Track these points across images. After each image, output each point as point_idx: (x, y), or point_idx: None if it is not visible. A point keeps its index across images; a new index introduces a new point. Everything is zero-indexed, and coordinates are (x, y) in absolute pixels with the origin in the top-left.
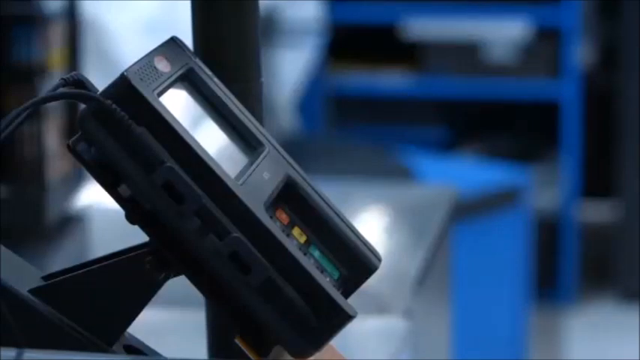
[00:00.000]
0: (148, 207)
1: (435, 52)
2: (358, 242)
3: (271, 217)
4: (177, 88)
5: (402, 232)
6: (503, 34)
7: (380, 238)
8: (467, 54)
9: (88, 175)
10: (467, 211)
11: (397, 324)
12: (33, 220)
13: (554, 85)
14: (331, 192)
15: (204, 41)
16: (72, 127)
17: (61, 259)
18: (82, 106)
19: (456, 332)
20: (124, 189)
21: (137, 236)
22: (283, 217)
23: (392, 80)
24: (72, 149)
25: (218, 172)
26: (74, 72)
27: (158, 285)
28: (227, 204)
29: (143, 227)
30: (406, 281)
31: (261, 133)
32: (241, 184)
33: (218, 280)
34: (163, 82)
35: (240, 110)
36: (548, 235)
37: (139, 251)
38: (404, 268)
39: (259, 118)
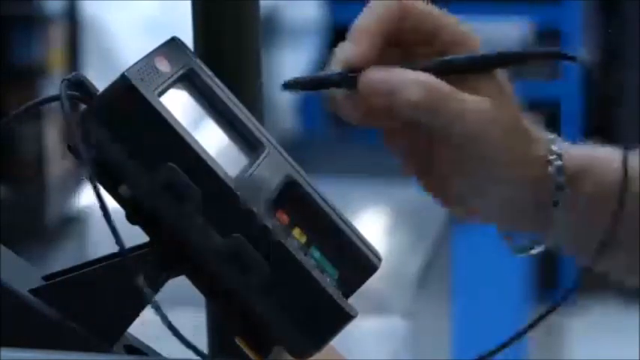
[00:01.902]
0: (149, 207)
1: None
2: (358, 242)
3: (271, 217)
4: (178, 88)
5: (402, 232)
6: (503, 34)
7: (380, 238)
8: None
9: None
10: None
11: (397, 324)
12: (33, 220)
13: (554, 85)
14: (331, 192)
15: (204, 41)
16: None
17: (61, 259)
18: (83, 106)
19: (456, 332)
20: (124, 189)
21: (137, 236)
22: (283, 217)
23: None
24: (72, 149)
25: (218, 172)
26: (74, 72)
27: (158, 285)
28: (227, 204)
29: (143, 227)
30: (406, 281)
31: (261, 133)
32: (241, 185)
33: (218, 280)
34: (163, 82)
35: (240, 110)
36: None
37: (139, 251)
38: (404, 268)
39: (259, 118)
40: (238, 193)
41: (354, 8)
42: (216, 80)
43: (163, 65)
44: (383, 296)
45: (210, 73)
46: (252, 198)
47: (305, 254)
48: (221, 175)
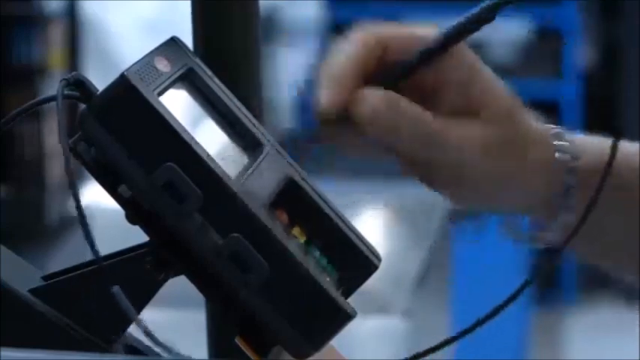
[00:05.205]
0: (148, 207)
1: None
2: (358, 242)
3: (271, 217)
4: (177, 88)
5: (402, 233)
6: (504, 34)
7: (380, 238)
8: None
9: (88, 175)
10: (467, 210)
11: (397, 324)
12: (33, 220)
13: (554, 85)
14: (331, 192)
15: (204, 41)
16: (72, 127)
17: (61, 259)
18: (82, 106)
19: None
20: (124, 189)
21: (137, 236)
22: (283, 217)
23: None
24: (72, 149)
25: (218, 172)
26: (74, 72)
27: (158, 285)
28: (227, 204)
29: (143, 227)
30: (406, 281)
31: (261, 133)
32: (241, 184)
33: (218, 280)
34: (163, 82)
35: (240, 110)
36: None
37: (139, 251)
38: (404, 268)
39: (259, 118)
40: (238, 192)
41: (354, 8)
42: (216, 80)
43: (163, 65)
44: (383, 296)
45: (210, 73)
46: (252, 198)
47: (305, 254)
48: (220, 175)
